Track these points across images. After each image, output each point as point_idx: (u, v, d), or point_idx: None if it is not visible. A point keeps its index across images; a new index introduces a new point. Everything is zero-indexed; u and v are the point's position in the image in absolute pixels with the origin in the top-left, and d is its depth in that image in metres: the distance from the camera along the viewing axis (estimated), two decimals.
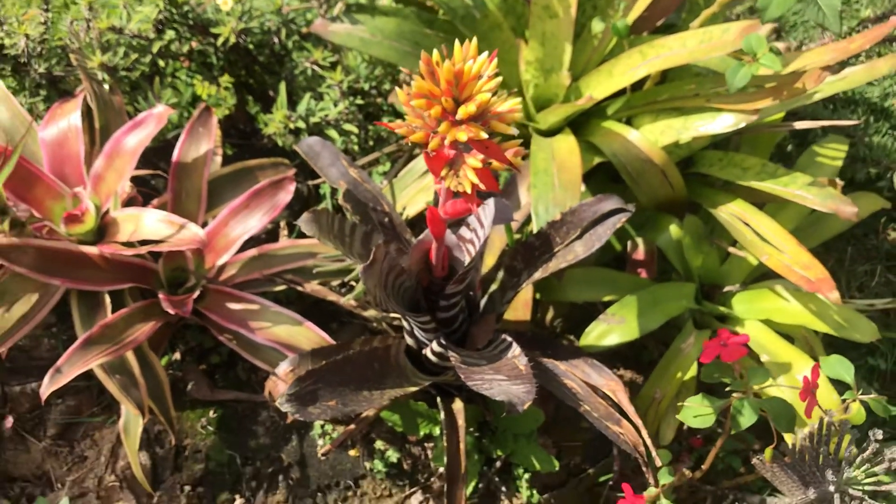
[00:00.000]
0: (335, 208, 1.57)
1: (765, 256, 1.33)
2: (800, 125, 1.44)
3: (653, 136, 1.41)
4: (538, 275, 1.20)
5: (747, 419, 1.01)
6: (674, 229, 1.47)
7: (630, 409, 1.12)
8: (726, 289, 1.52)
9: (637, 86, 1.50)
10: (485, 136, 0.74)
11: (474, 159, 0.79)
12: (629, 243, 1.56)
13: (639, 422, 1.12)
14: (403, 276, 1.13)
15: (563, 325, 1.56)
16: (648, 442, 1.12)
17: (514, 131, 0.76)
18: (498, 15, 1.46)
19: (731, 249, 1.46)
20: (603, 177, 1.53)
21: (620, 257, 1.59)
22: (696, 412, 1.03)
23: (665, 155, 1.39)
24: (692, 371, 1.39)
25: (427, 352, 1.21)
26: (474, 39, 0.76)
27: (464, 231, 1.13)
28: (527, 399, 0.96)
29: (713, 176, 1.49)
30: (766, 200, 1.45)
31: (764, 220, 1.38)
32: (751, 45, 1.20)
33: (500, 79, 0.75)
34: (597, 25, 1.43)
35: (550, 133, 1.45)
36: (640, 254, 1.57)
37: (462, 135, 0.73)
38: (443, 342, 1.15)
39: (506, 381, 1.01)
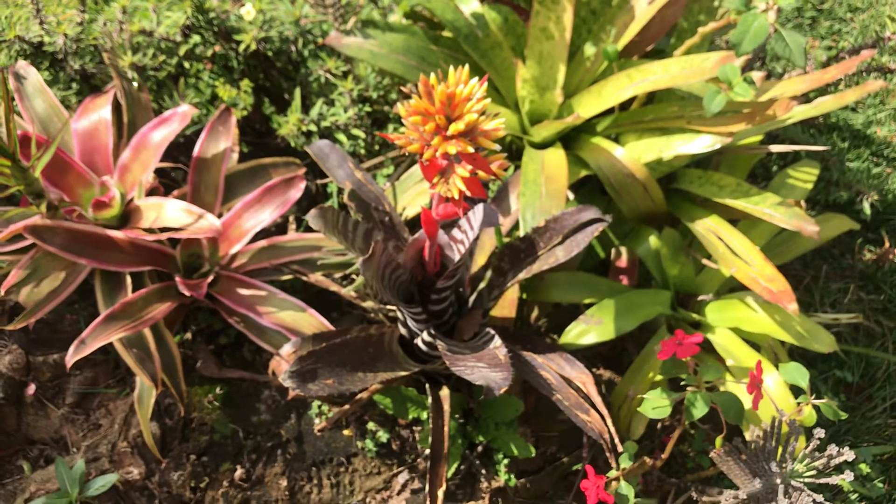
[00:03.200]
0: (340, 206, 1.68)
1: (734, 269, 1.45)
2: (775, 148, 1.55)
3: (636, 153, 1.53)
4: (523, 275, 1.32)
5: (699, 410, 1.12)
6: (653, 240, 1.59)
7: (598, 400, 1.24)
8: (700, 298, 1.63)
9: (625, 105, 1.62)
10: (471, 150, 0.85)
11: (463, 169, 0.90)
12: (613, 251, 1.68)
13: (605, 412, 1.23)
14: (399, 270, 1.24)
15: (547, 325, 1.67)
16: (612, 430, 1.23)
17: (496, 147, 0.87)
18: (499, 35, 1.58)
19: (705, 261, 1.57)
20: (590, 189, 1.64)
21: (604, 264, 1.71)
22: (655, 404, 1.15)
23: (647, 171, 1.50)
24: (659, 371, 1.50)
25: (418, 341, 1.33)
26: (466, 66, 0.87)
27: (455, 232, 1.24)
28: (503, 384, 1.08)
29: (692, 192, 1.60)
30: (739, 217, 1.56)
31: (736, 235, 1.49)
32: (726, 75, 1.32)
33: (488, 100, 0.86)
34: (589, 49, 1.55)
35: (543, 146, 1.57)
36: (622, 262, 1.69)
37: (452, 148, 0.85)
38: (432, 332, 1.26)
39: (486, 368, 1.12)
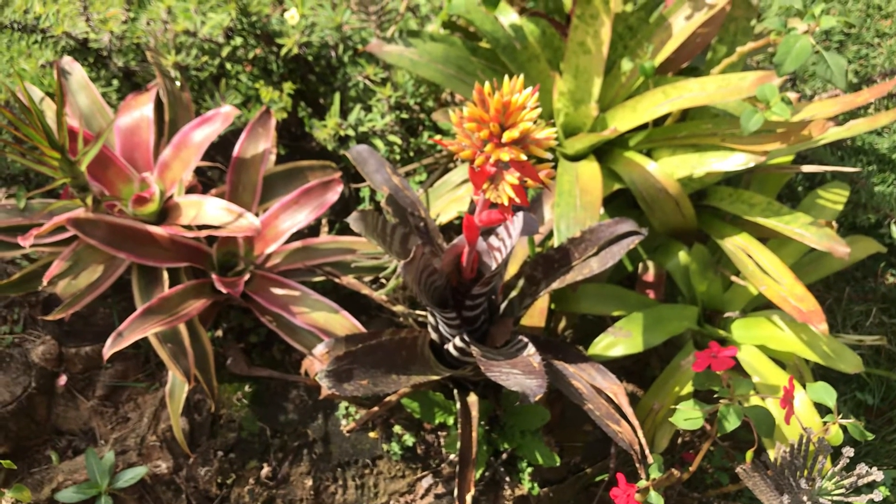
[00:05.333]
0: (376, 210, 1.70)
1: (763, 287, 1.46)
2: (806, 169, 1.56)
3: (669, 169, 1.54)
4: (556, 285, 1.33)
5: (732, 423, 1.13)
6: (682, 255, 1.60)
7: (629, 411, 1.25)
8: (727, 314, 1.64)
9: (658, 121, 1.63)
10: (524, 157, 0.87)
11: (512, 176, 0.92)
12: (640, 265, 1.69)
13: (636, 422, 1.24)
14: (435, 275, 1.26)
15: (574, 335, 1.68)
16: (643, 441, 1.24)
17: (548, 156, 0.89)
18: (536, 47, 1.60)
19: (734, 278, 1.58)
20: (621, 202, 1.66)
21: (631, 277, 1.72)
22: (687, 415, 1.16)
23: (679, 186, 1.52)
24: (689, 387, 1.51)
25: (450, 346, 1.34)
26: (521, 76, 0.89)
27: (493, 240, 1.26)
28: (538, 391, 1.09)
29: (723, 209, 1.61)
30: (769, 236, 1.57)
31: (766, 253, 1.50)
32: (765, 94, 1.34)
33: (539, 110, 0.88)
34: (626, 64, 1.57)
35: (576, 158, 1.59)
36: (649, 276, 1.70)
37: (505, 155, 0.87)
38: (465, 338, 1.28)
39: (521, 374, 1.14)
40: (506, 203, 0.91)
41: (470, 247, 1.17)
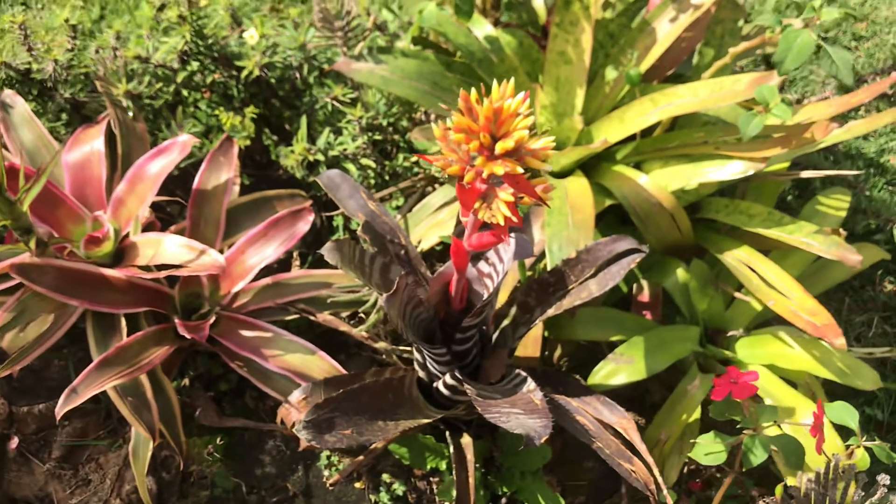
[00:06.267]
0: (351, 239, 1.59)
1: (771, 302, 1.36)
2: (806, 174, 1.48)
3: (662, 181, 1.45)
4: (551, 311, 1.22)
5: (759, 456, 1.02)
6: (681, 273, 1.50)
7: (642, 448, 1.13)
8: (730, 333, 1.54)
9: (646, 133, 1.54)
10: (521, 170, 0.77)
11: (506, 193, 0.81)
12: (635, 285, 1.59)
13: (650, 460, 1.13)
14: (420, 307, 1.15)
15: (569, 364, 1.57)
16: (660, 480, 1.13)
17: (548, 167, 0.79)
18: (514, 59, 1.50)
19: (738, 294, 1.48)
20: (612, 219, 1.56)
21: (626, 299, 1.62)
22: (708, 449, 1.05)
23: (674, 199, 1.42)
24: (696, 413, 1.41)
25: (439, 385, 1.22)
26: (512, 80, 0.79)
27: (482, 265, 1.15)
28: (543, 433, 0.98)
29: (719, 221, 1.52)
30: (770, 247, 1.48)
31: (770, 266, 1.41)
32: (764, 96, 1.25)
33: (533, 117, 0.78)
34: (610, 73, 1.48)
35: (562, 175, 1.49)
36: (644, 296, 1.60)
37: (499, 168, 0.76)
38: (457, 375, 1.16)
39: (522, 414, 1.02)
40: (502, 223, 0.80)
41: (459, 274, 1.05)
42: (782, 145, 1.34)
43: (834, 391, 1.63)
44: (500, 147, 0.76)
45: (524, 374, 1.14)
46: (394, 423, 1.13)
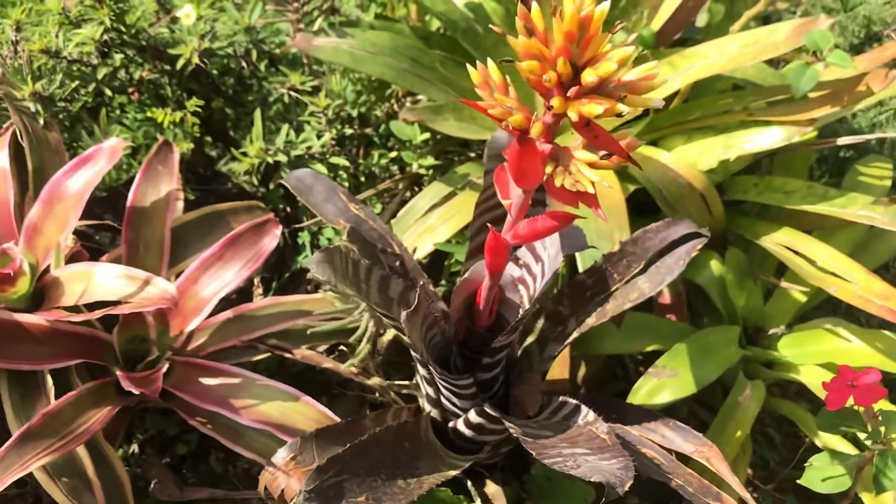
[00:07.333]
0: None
1: (833, 288, 1.16)
2: (844, 140, 1.28)
3: (689, 158, 1.24)
4: (592, 321, 0.99)
5: (893, 480, 0.80)
6: (715, 265, 1.29)
7: (733, 480, 0.90)
8: (771, 331, 1.33)
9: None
10: (624, 108, 0.53)
11: (587, 152, 0.57)
12: None
13: (746, 495, 0.90)
14: (436, 327, 0.90)
15: (587, 386, 1.34)
16: None
17: (660, 103, 0.55)
18: (503, 29, 1.28)
19: (784, 283, 1.28)
20: (630, 205, 1.34)
21: (646, 302, 1.40)
22: (825, 473, 0.82)
23: (706, 179, 1.22)
24: (748, 428, 1.19)
25: (459, 424, 0.98)
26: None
27: (511, 268, 0.91)
28: (626, 478, 0.74)
29: (749, 202, 1.32)
30: (809, 227, 1.29)
31: (820, 247, 1.21)
32: (815, 42, 1.05)
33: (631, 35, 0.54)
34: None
35: None
36: (666, 297, 1.38)
37: (594, 108, 0.52)
38: (487, 410, 0.91)
39: (590, 454, 0.78)
40: (592, 190, 0.56)
41: (493, 280, 0.81)
42: (832, 103, 1.14)
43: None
44: (590, 75, 0.52)
45: (573, 401, 0.90)
46: (416, 479, 0.88)
